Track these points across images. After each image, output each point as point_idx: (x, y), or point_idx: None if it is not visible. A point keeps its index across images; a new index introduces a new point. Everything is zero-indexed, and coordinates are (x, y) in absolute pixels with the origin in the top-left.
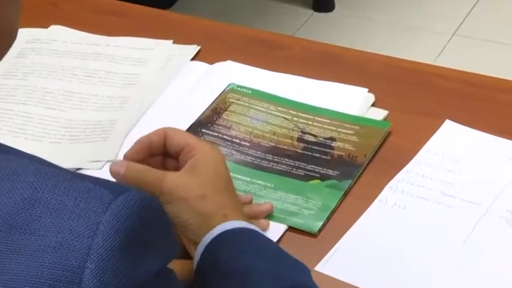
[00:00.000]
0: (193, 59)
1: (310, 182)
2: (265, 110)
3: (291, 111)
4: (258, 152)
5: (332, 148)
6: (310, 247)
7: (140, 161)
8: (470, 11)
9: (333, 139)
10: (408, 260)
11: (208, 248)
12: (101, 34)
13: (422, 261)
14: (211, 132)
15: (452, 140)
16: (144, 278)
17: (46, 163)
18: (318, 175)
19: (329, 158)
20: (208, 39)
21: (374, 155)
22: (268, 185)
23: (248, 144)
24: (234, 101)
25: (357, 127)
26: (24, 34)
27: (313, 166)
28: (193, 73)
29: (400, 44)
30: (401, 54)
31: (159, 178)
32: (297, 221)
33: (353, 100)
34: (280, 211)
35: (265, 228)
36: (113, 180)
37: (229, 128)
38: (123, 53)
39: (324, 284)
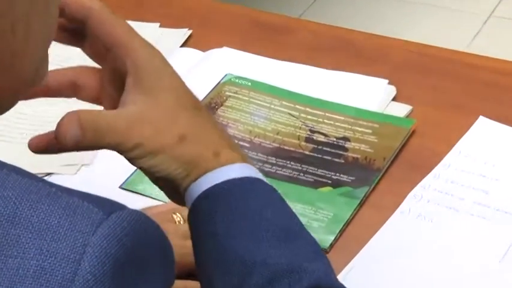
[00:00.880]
0: (183, 45)
1: (321, 189)
2: (268, 104)
3: (297, 107)
4: (259, 155)
5: (346, 150)
6: None
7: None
8: None
9: (346, 139)
10: (434, 282)
11: (196, 206)
12: None
13: (450, 283)
14: None
15: (487, 140)
16: None
17: (25, 173)
18: (329, 181)
19: (342, 161)
20: (201, 22)
21: (395, 158)
22: None
23: (248, 145)
24: (231, 94)
25: (375, 125)
26: None
27: (323, 171)
28: (183, 62)
29: (427, 27)
30: (428, 38)
31: (112, 121)
32: None
33: (371, 93)
34: None
35: None
36: (106, 197)
37: (225, 125)
38: None
39: None
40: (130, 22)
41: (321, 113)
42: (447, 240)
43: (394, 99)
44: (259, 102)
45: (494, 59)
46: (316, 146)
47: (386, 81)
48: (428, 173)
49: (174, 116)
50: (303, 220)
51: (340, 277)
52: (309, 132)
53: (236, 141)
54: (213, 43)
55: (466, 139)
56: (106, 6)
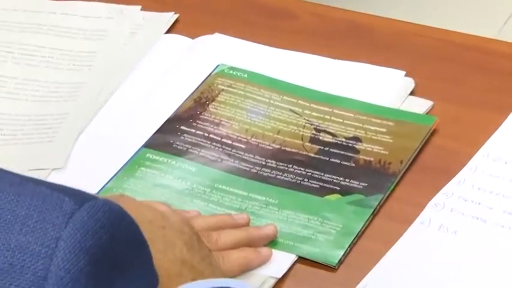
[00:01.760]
0: (168, 31)
1: (328, 197)
2: (267, 100)
3: (300, 102)
4: (257, 157)
5: (356, 152)
6: (327, 284)
7: None
8: None
9: (357, 139)
10: None
11: None
12: None
13: None
14: (193, 131)
15: None
16: None
17: None
18: (337, 188)
19: (353, 164)
20: (189, 5)
21: (413, 161)
22: (271, 201)
23: (244, 146)
24: (224, 87)
25: (391, 123)
26: None
27: (331, 176)
28: (169, 50)
29: (450, 11)
30: (451, 24)
31: None
32: (310, 250)
33: (385, 86)
34: (287, 236)
35: (267, 260)
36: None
37: (218, 124)
38: (73, 24)
39: None
40: (108, 4)
41: (327, 109)
42: (473, 255)
43: (412, 93)
44: (256, 97)
45: None
46: (322, 148)
47: (404, 72)
48: (451, 179)
49: None
50: (307, 232)
51: None
52: (314, 132)
53: (230, 143)
54: (203, 29)
55: (494, 139)
56: None
